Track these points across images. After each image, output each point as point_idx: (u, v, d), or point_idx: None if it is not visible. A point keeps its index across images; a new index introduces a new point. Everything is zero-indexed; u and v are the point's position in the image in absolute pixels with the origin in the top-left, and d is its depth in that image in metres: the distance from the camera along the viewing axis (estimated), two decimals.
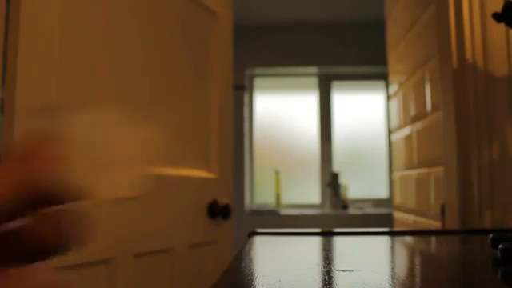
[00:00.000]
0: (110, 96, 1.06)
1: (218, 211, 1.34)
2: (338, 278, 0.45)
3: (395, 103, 1.84)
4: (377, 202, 3.53)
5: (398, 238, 0.76)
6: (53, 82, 0.91)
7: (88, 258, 0.96)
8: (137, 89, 1.13)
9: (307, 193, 3.54)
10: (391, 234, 0.81)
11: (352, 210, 3.36)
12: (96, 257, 0.98)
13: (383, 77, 3.68)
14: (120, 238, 1.04)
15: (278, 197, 3.42)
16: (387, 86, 3.70)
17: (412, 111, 1.59)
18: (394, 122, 1.86)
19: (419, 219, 1.51)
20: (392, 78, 1.92)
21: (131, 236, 1.07)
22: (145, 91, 1.16)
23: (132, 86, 1.12)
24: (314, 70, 3.54)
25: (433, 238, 0.76)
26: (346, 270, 0.48)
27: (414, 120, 1.57)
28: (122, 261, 1.05)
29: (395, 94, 1.84)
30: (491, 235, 0.57)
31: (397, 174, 1.84)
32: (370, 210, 3.41)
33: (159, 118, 1.20)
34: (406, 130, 1.66)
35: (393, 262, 0.55)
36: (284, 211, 3.36)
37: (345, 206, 3.36)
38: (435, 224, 1.34)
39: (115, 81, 1.07)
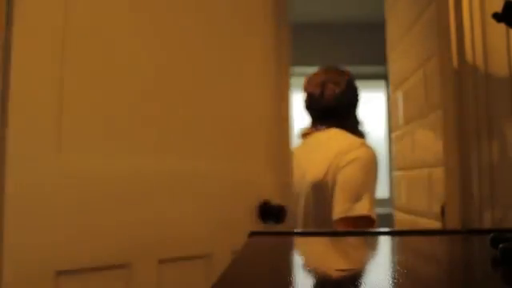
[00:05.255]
0: (130, 94, 0.94)
1: (270, 213, 1.19)
2: (338, 278, 0.45)
3: (395, 103, 1.84)
4: (377, 202, 3.52)
5: (398, 238, 0.76)
6: (53, 88, 0.88)
7: (102, 261, 0.87)
8: (175, 77, 1.01)
9: None
10: (391, 233, 0.81)
11: None
12: (111, 261, 0.88)
13: (383, 77, 3.68)
14: (140, 241, 0.93)
15: None
16: (387, 85, 3.70)
17: (412, 111, 1.59)
18: (394, 122, 1.86)
19: (419, 219, 1.51)
20: (392, 77, 1.92)
21: (156, 239, 0.95)
22: (186, 78, 1.03)
23: (167, 75, 1.00)
24: (314, 70, 3.54)
25: (433, 238, 0.76)
26: (346, 270, 0.48)
27: (413, 120, 1.57)
28: (141, 266, 0.93)
29: (395, 93, 1.84)
30: (491, 235, 0.57)
31: (397, 174, 1.84)
32: None
33: (202, 109, 1.07)
34: (406, 130, 1.66)
35: (393, 262, 0.55)
36: None
37: None
38: (435, 224, 1.34)
39: (139, 76, 0.97)
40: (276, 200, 1.22)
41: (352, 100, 1.70)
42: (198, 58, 1.09)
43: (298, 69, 3.57)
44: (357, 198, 1.45)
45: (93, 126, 0.91)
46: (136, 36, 0.99)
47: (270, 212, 1.18)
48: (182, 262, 1.00)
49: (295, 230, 0.94)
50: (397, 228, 1.84)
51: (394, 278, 0.44)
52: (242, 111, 1.17)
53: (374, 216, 1.46)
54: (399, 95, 1.77)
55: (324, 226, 1.46)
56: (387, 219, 3.36)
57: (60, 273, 0.83)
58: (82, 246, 0.86)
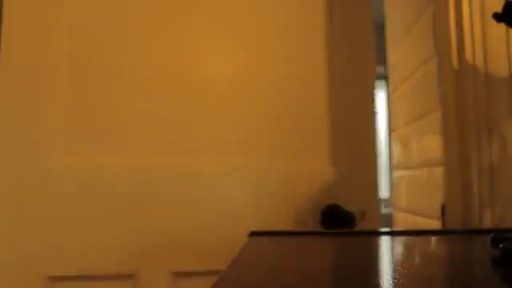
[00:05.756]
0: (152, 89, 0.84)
1: (338, 220, 0.97)
2: (338, 278, 0.45)
3: (395, 103, 1.84)
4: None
5: (398, 238, 0.76)
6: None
7: (102, 269, 0.81)
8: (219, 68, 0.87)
9: None
10: (391, 233, 0.82)
11: None
12: (114, 269, 0.82)
13: (383, 77, 3.68)
14: (150, 249, 0.83)
15: None
16: (387, 85, 3.71)
17: (412, 111, 1.59)
18: (394, 122, 1.86)
19: (419, 219, 1.51)
20: (392, 78, 1.92)
21: (170, 247, 0.84)
22: (233, 66, 0.89)
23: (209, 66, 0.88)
24: None
25: (433, 238, 0.76)
26: (346, 270, 0.48)
27: (413, 120, 1.57)
28: (150, 278, 0.82)
29: (395, 93, 1.84)
30: (491, 235, 0.57)
31: (397, 174, 1.84)
32: None
33: (253, 89, 0.92)
34: (406, 130, 1.66)
35: (393, 262, 0.55)
36: None
37: None
38: (435, 224, 1.34)
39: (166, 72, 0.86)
40: (348, 204, 1.01)
41: None
42: (251, 37, 0.95)
43: None
44: None
45: (91, 123, 0.85)
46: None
47: (336, 219, 0.97)
48: (202, 277, 0.86)
49: (295, 230, 0.94)
50: (397, 228, 1.84)
51: (394, 278, 0.44)
52: (305, 99, 0.97)
53: None
54: (399, 95, 1.77)
55: None
56: (387, 219, 3.36)
57: (53, 279, 0.80)
58: (78, 251, 0.81)
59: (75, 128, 0.84)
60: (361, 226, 1.02)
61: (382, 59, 3.50)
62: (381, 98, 3.61)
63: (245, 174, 0.90)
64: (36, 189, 0.81)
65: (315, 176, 0.96)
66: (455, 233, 0.85)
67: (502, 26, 1.07)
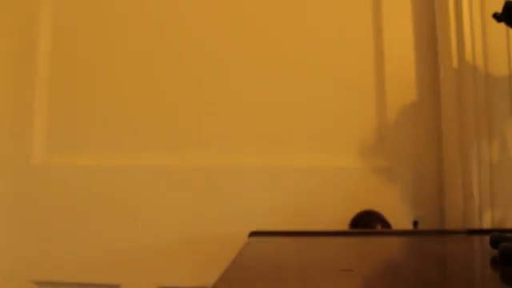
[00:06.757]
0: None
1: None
2: (338, 278, 0.45)
3: None
4: None
5: (398, 238, 0.76)
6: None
7: (86, 277, 0.76)
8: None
9: None
10: (391, 234, 0.81)
11: None
12: (98, 279, 0.77)
13: None
14: (134, 259, 0.76)
15: None
16: None
17: None
18: None
19: None
20: None
21: (157, 259, 0.76)
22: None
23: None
24: None
25: (433, 238, 0.76)
26: (346, 270, 0.48)
27: None
28: None
29: None
30: (491, 235, 0.57)
31: None
32: None
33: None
34: None
35: (393, 262, 0.55)
36: None
37: None
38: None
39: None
40: (398, 212, 0.80)
41: None
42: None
43: None
44: None
45: (80, 122, 0.81)
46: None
47: (370, 227, 0.79)
48: None
49: (296, 230, 0.94)
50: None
51: (393, 278, 0.44)
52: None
53: None
54: None
55: None
56: None
57: (39, 284, 0.77)
58: (64, 256, 0.77)
59: (61, 125, 0.80)
60: None
61: None
62: None
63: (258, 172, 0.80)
64: (20, 189, 0.79)
65: (350, 173, 0.79)
66: (455, 233, 0.85)
67: (502, 26, 1.07)
